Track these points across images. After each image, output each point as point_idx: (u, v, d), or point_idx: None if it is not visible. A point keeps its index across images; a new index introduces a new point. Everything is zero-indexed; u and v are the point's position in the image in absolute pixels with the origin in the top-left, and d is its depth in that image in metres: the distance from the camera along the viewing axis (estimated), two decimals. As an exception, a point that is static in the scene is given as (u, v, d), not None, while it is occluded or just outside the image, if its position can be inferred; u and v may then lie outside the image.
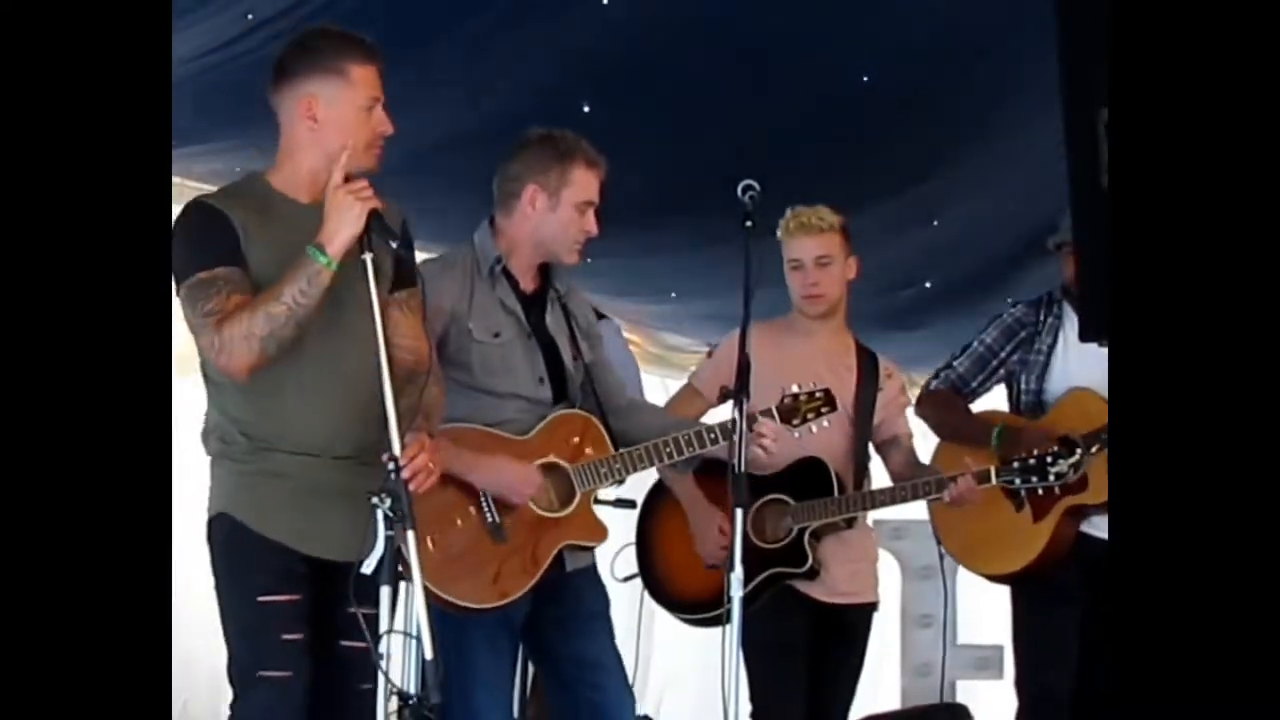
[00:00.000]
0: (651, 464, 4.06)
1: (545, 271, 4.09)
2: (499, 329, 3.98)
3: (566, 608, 4.02)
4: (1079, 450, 4.56)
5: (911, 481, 4.64)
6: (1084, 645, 4.76)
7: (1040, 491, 4.66)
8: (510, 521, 3.91)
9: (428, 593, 3.82)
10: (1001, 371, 4.95)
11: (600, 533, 4.03)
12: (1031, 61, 5.10)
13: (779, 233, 4.70)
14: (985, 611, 5.12)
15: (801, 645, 4.60)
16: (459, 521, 3.89)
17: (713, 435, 4.01)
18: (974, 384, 4.96)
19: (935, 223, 6.69)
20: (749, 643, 4.07)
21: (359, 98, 3.44)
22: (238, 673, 3.39)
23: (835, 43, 5.34)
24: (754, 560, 4.14)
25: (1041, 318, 4.91)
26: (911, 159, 6.10)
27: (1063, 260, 4.91)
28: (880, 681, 7.04)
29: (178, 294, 3.35)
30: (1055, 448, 4.53)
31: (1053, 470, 4.50)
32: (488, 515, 3.91)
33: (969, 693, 6.58)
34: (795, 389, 4.15)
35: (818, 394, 4.14)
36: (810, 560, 4.55)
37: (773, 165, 5.70)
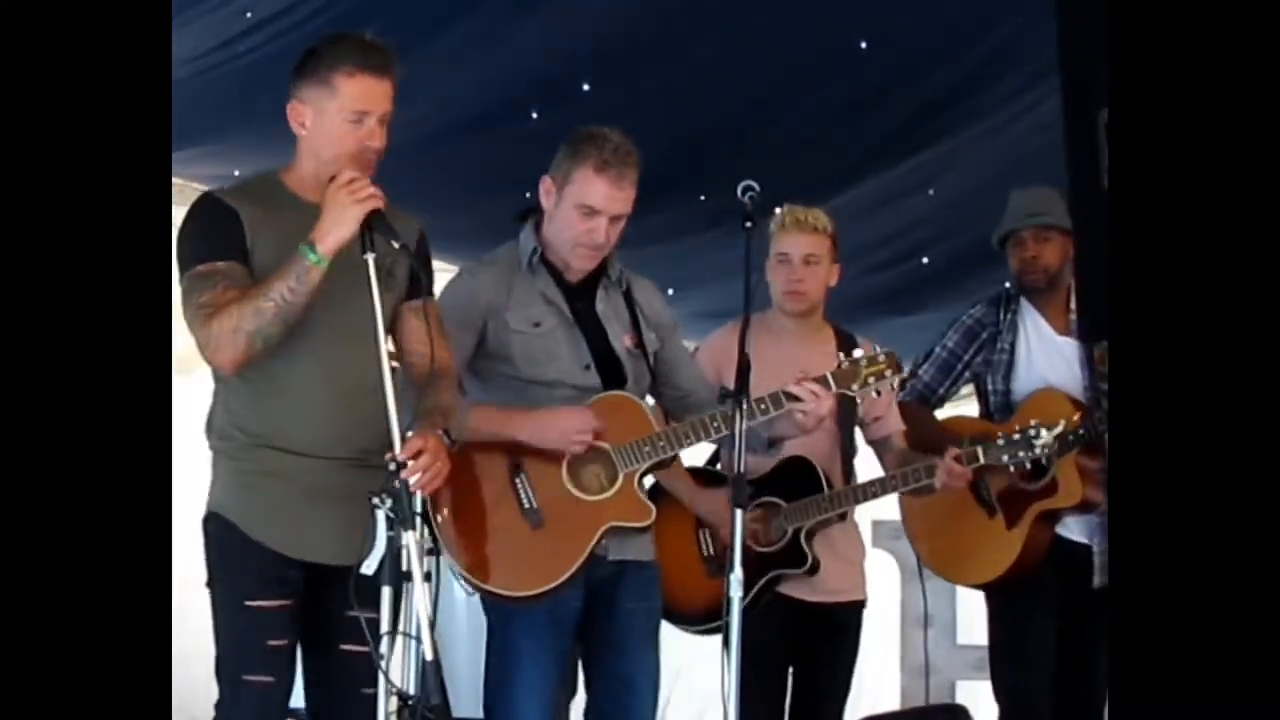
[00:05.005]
0: (697, 439, 3.95)
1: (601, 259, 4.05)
2: (539, 319, 3.95)
3: (614, 619, 3.97)
4: (1062, 421, 4.51)
5: (901, 470, 4.60)
6: (1064, 649, 4.75)
7: (1011, 497, 4.65)
8: (548, 506, 3.86)
9: (468, 582, 3.84)
10: (967, 374, 4.94)
11: (644, 513, 3.93)
12: (1028, 31, 5.09)
13: (772, 226, 4.68)
14: (985, 612, 5.11)
15: (782, 647, 4.59)
16: (495, 508, 3.86)
17: (763, 406, 3.91)
18: (940, 390, 4.95)
19: (931, 191, 6.66)
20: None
21: (342, 110, 3.42)
22: (224, 676, 3.39)
23: (831, 7, 5.32)
24: (753, 565, 4.12)
25: (1001, 316, 4.88)
26: (908, 126, 6.08)
27: (1010, 255, 4.89)
28: (880, 681, 7.04)
29: (180, 286, 3.36)
30: (1034, 421, 4.47)
31: (1038, 443, 4.43)
32: (524, 500, 3.87)
33: (969, 693, 6.57)
34: (858, 353, 4.05)
35: (880, 356, 4.03)
36: (810, 558, 4.56)
37: (771, 135, 5.70)
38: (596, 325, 4.01)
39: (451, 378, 3.57)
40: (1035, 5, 3.89)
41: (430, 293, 3.62)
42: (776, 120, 5.85)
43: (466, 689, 4.46)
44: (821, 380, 3.95)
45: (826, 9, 5.31)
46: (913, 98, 5.86)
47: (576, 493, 3.90)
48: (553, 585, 3.84)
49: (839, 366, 4.01)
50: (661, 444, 3.93)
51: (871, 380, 4.00)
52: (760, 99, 5.73)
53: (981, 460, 4.49)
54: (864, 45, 5.51)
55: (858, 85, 5.77)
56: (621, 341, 4.02)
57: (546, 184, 3.97)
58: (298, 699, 3.73)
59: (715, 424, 3.90)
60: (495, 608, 3.93)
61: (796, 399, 3.91)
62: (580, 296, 4.02)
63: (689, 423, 3.95)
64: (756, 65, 5.55)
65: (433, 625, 3.17)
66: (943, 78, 5.74)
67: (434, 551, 3.96)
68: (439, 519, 3.84)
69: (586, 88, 5.53)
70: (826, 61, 5.59)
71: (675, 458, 4.07)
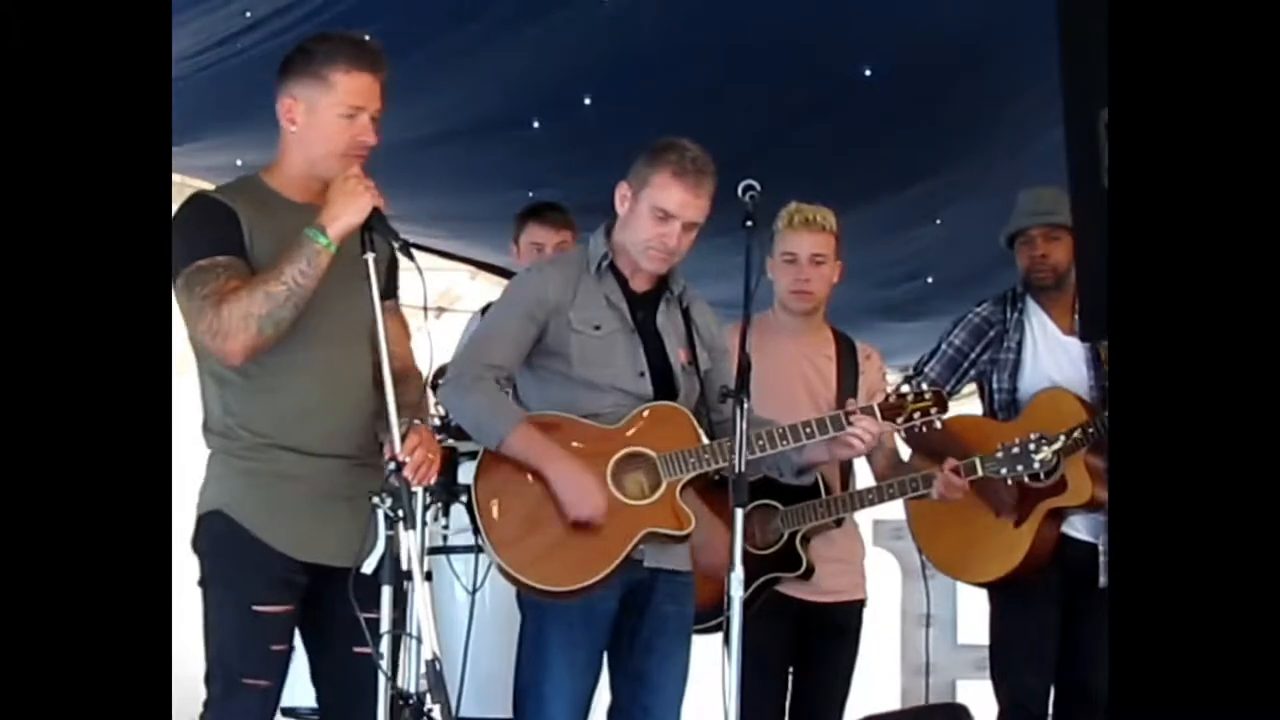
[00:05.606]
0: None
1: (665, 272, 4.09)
2: (600, 322, 4.00)
3: (647, 622, 3.98)
4: (1062, 437, 4.53)
5: (899, 479, 4.61)
6: (1067, 648, 4.75)
7: (1020, 494, 4.64)
8: None
9: (505, 574, 3.87)
10: (972, 372, 4.94)
11: (684, 522, 3.95)
12: (1033, 57, 5.08)
13: (778, 223, 4.69)
14: (986, 612, 5.11)
15: (783, 647, 4.60)
16: (537, 505, 3.88)
17: (809, 430, 3.98)
18: (946, 388, 4.93)
19: (938, 220, 6.66)
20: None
21: (338, 105, 3.43)
22: (220, 676, 3.37)
23: (835, 34, 5.33)
24: (748, 567, 4.13)
25: (1008, 314, 4.89)
26: (914, 153, 6.08)
27: (1018, 253, 4.91)
28: (880, 681, 7.03)
29: (175, 285, 3.35)
30: (1036, 435, 4.50)
31: (1037, 458, 4.46)
32: None
33: (969, 692, 6.57)
34: (905, 388, 4.11)
35: (927, 394, 4.09)
36: (805, 562, 4.57)
37: (773, 157, 5.70)
38: (655, 336, 4.07)
39: (417, 378, 3.57)
40: (1042, 28, 3.89)
41: (395, 294, 3.65)
42: (779, 141, 5.86)
43: (467, 689, 4.46)
44: (868, 411, 4.02)
45: (830, 33, 5.31)
46: (918, 123, 5.87)
47: (619, 496, 3.93)
48: (588, 583, 3.86)
49: (886, 400, 4.09)
50: (706, 456, 3.98)
51: (916, 416, 4.08)
52: (762, 118, 5.74)
53: (980, 473, 4.51)
54: (868, 72, 5.51)
55: (861, 110, 5.78)
56: (677, 356, 4.08)
57: (622, 189, 4.02)
58: (291, 698, 3.74)
59: (760, 443, 3.94)
60: (531, 603, 3.96)
61: (843, 427, 3.97)
62: (642, 306, 4.08)
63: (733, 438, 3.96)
64: (759, 86, 5.55)
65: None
66: (948, 104, 5.74)
67: (476, 549, 3.97)
68: (481, 511, 3.87)
69: (588, 101, 5.55)
70: (829, 86, 5.60)
71: (718, 471, 4.07)
